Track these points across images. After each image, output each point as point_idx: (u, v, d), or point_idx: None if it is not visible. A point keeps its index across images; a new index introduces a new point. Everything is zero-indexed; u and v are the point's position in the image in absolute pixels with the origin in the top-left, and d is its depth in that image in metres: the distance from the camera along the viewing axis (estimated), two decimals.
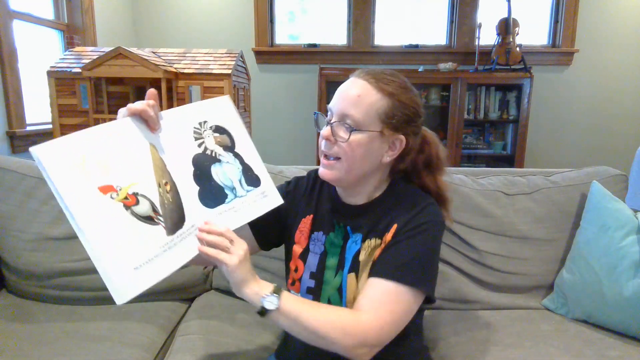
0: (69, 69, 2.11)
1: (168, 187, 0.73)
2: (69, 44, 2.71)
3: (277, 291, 0.76)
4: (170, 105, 2.15)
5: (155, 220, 0.69)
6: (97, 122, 2.06)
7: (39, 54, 2.54)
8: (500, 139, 3.51)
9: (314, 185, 0.98)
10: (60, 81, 2.12)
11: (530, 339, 1.13)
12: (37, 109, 2.40)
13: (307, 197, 0.97)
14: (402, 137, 0.83)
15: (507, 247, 1.31)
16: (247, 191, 0.85)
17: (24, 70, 2.21)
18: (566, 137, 3.60)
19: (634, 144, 1.97)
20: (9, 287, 1.37)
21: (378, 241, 0.85)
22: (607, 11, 3.42)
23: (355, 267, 0.85)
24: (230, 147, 0.85)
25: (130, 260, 0.65)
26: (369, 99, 0.80)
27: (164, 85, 2.04)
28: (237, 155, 0.86)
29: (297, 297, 0.81)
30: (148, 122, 0.73)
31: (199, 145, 0.81)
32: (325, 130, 0.83)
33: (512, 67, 3.27)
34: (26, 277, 1.31)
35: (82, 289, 1.30)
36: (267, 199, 0.87)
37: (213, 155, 0.82)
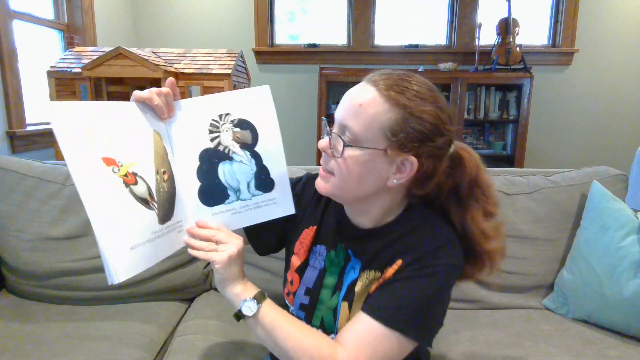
0: (69, 69, 2.11)
1: (165, 177, 0.72)
2: (69, 44, 2.71)
3: (259, 298, 0.73)
4: None
5: (151, 205, 0.68)
6: None
7: (39, 54, 2.54)
8: (500, 139, 3.51)
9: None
10: (60, 81, 2.12)
11: (530, 339, 1.13)
12: (37, 109, 2.40)
13: (313, 204, 0.87)
14: (413, 158, 0.69)
15: (507, 247, 1.30)
16: (253, 195, 0.79)
17: (24, 70, 2.21)
18: (566, 137, 3.60)
19: (634, 144, 1.96)
20: (9, 287, 1.37)
21: (377, 274, 0.75)
22: (607, 11, 3.42)
23: (349, 297, 0.77)
24: (249, 145, 0.78)
25: (127, 238, 0.64)
26: (373, 110, 0.67)
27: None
28: (255, 155, 0.78)
29: (279, 310, 0.75)
30: (155, 110, 0.72)
31: (212, 140, 0.76)
32: (322, 141, 0.73)
33: (512, 67, 3.26)
34: (26, 277, 1.31)
35: (82, 289, 1.30)
36: (275, 206, 0.81)
37: (225, 152, 0.77)
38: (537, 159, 3.54)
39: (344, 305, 0.77)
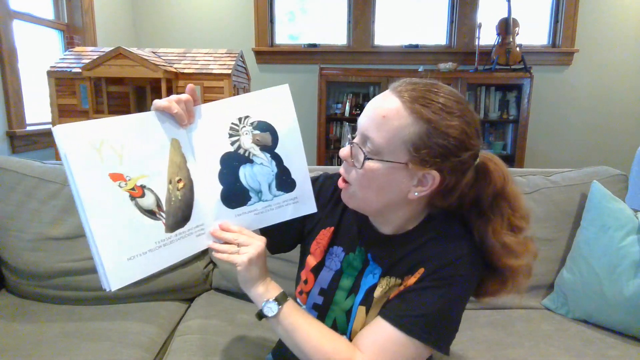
0: (69, 69, 2.11)
1: (180, 185, 0.73)
2: (69, 44, 2.71)
3: (281, 299, 0.74)
4: None
5: (157, 215, 0.70)
6: None
7: (39, 54, 2.54)
8: (500, 139, 3.51)
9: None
10: (60, 81, 2.12)
11: (530, 339, 1.13)
12: (37, 109, 2.40)
13: (331, 205, 0.87)
14: (435, 173, 0.67)
15: None
16: (275, 196, 0.79)
17: (24, 70, 2.21)
18: (566, 137, 3.60)
19: (634, 144, 1.96)
20: (9, 287, 1.37)
21: (398, 281, 0.75)
22: (607, 11, 3.42)
23: (368, 302, 0.77)
24: (270, 147, 0.78)
25: (126, 249, 0.67)
26: (397, 122, 0.66)
27: (164, 85, 2.03)
28: (275, 157, 0.79)
29: (300, 311, 0.76)
30: (175, 118, 0.72)
31: (232, 144, 0.77)
32: (343, 150, 0.73)
33: (512, 67, 3.26)
34: (26, 277, 1.31)
35: (82, 289, 1.30)
36: (297, 205, 0.81)
37: (246, 155, 0.77)
38: (537, 159, 3.54)
39: (361, 310, 0.78)
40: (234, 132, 0.77)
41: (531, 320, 1.23)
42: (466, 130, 0.67)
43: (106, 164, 0.65)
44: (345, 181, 0.75)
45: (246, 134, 0.77)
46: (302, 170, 0.81)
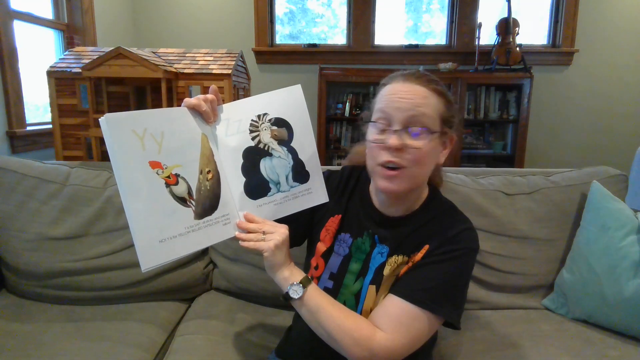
0: (69, 69, 2.11)
1: (210, 176, 0.79)
2: (69, 44, 2.71)
3: (305, 282, 0.80)
4: (169, 105, 2.15)
5: (188, 202, 0.76)
6: (97, 122, 2.06)
7: (39, 54, 2.54)
8: (500, 139, 3.51)
9: (347, 184, 0.95)
10: (60, 81, 2.12)
11: (530, 339, 1.13)
12: (37, 109, 2.40)
13: (338, 194, 0.95)
14: (452, 134, 0.84)
15: (507, 247, 1.31)
16: (291, 187, 0.86)
17: (24, 70, 2.21)
18: (566, 137, 3.60)
19: (634, 144, 1.96)
20: (9, 287, 1.37)
21: (405, 258, 0.83)
22: (607, 11, 3.42)
23: (377, 280, 0.84)
24: (286, 141, 0.85)
25: (158, 232, 0.72)
26: (431, 101, 0.80)
27: (164, 85, 2.03)
28: (291, 150, 0.86)
29: (323, 293, 0.81)
30: (202, 115, 0.79)
31: (253, 139, 0.83)
32: (395, 140, 0.78)
33: (512, 67, 3.27)
34: (26, 277, 1.31)
35: (82, 289, 1.30)
36: (310, 195, 0.88)
37: (266, 149, 0.84)
38: (537, 159, 3.55)
39: (372, 288, 0.85)
40: (254, 128, 0.83)
41: (531, 321, 1.23)
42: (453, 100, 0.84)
43: (147, 151, 0.72)
44: (395, 169, 0.79)
45: (265, 129, 0.84)
46: (314, 162, 0.88)
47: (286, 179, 0.85)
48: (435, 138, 0.80)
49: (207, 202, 0.78)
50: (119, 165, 0.69)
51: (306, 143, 0.87)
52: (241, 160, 0.82)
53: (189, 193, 0.76)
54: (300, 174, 0.86)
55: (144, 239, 0.70)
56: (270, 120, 0.84)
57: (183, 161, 0.76)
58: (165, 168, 0.73)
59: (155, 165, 0.72)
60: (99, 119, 0.69)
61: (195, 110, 0.79)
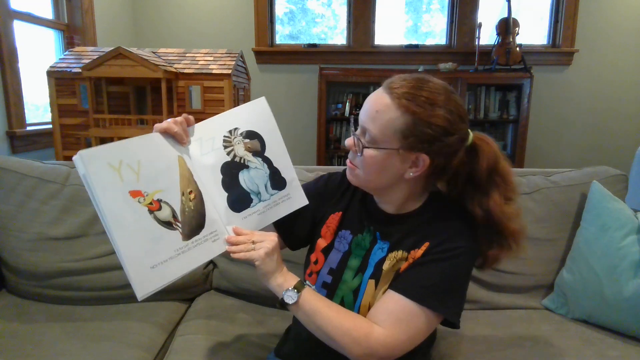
0: (69, 69, 2.11)
1: (192, 196, 0.80)
2: (69, 44, 2.71)
3: (298, 287, 0.80)
4: (170, 106, 2.15)
5: (174, 225, 0.76)
6: (97, 122, 2.06)
7: (39, 54, 2.54)
8: (500, 139, 3.51)
9: (348, 185, 0.95)
10: (60, 81, 2.12)
11: (530, 339, 1.13)
12: (37, 109, 2.40)
13: (338, 194, 0.96)
14: (425, 156, 0.77)
15: None
16: (271, 195, 0.88)
17: (24, 70, 2.21)
18: (566, 137, 3.60)
19: (634, 144, 1.97)
20: (9, 287, 1.37)
21: (405, 254, 0.83)
22: (607, 11, 3.43)
23: (376, 275, 0.84)
24: (260, 152, 0.88)
25: (148, 259, 0.73)
26: (387, 116, 0.76)
27: (163, 86, 2.03)
28: (266, 160, 0.88)
29: (318, 296, 0.82)
30: (175, 137, 0.80)
31: (228, 154, 0.85)
32: (348, 140, 0.84)
33: (512, 67, 3.27)
34: (26, 277, 1.31)
35: (82, 289, 1.30)
36: (290, 200, 0.90)
37: (242, 162, 0.86)
38: (537, 159, 3.55)
39: (371, 283, 0.85)
40: (227, 143, 0.86)
41: (531, 321, 1.23)
42: (449, 118, 0.76)
43: (125, 182, 0.72)
44: (352, 164, 0.84)
45: (238, 143, 0.87)
46: (289, 168, 0.91)
47: (265, 188, 0.88)
48: (388, 153, 0.77)
49: (194, 222, 0.79)
50: (100, 199, 0.69)
51: (279, 151, 0.90)
52: (220, 176, 0.84)
53: (174, 216, 0.76)
54: (277, 181, 0.89)
55: (135, 267, 0.71)
56: (241, 134, 0.87)
57: (163, 186, 0.76)
58: (147, 195, 0.74)
59: (135, 194, 0.73)
60: (73, 158, 0.69)
61: (167, 133, 0.79)
